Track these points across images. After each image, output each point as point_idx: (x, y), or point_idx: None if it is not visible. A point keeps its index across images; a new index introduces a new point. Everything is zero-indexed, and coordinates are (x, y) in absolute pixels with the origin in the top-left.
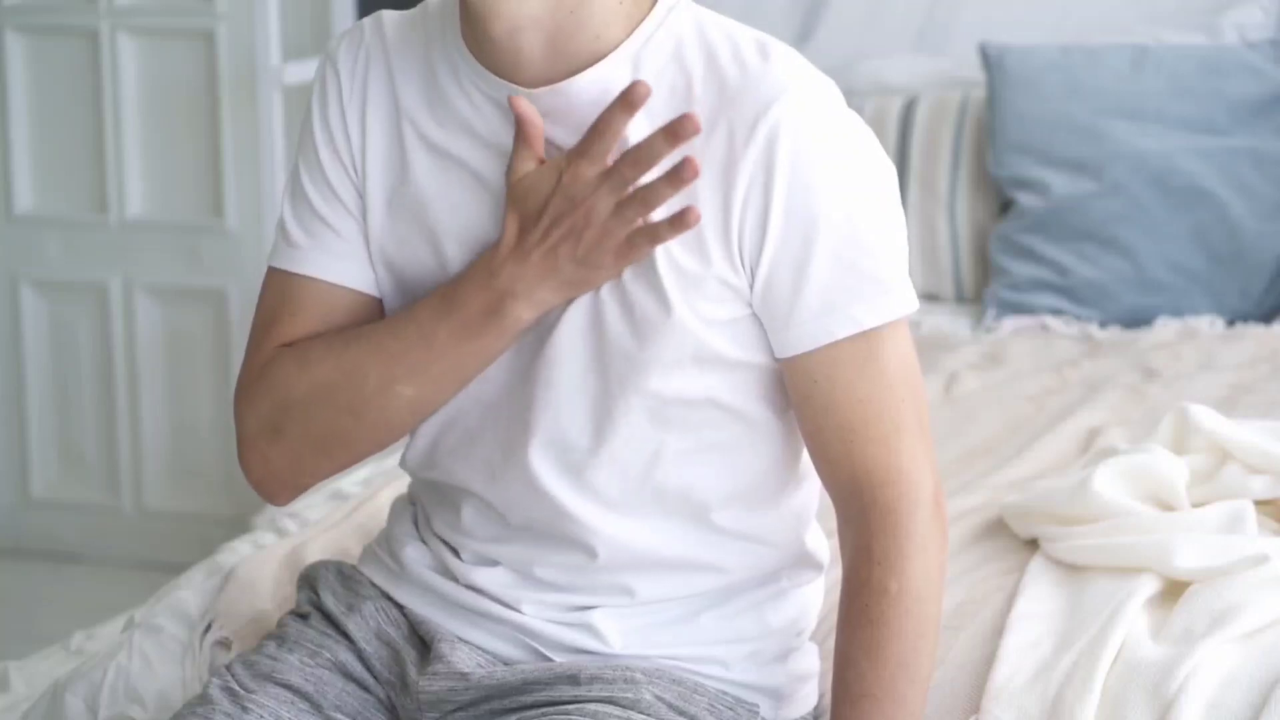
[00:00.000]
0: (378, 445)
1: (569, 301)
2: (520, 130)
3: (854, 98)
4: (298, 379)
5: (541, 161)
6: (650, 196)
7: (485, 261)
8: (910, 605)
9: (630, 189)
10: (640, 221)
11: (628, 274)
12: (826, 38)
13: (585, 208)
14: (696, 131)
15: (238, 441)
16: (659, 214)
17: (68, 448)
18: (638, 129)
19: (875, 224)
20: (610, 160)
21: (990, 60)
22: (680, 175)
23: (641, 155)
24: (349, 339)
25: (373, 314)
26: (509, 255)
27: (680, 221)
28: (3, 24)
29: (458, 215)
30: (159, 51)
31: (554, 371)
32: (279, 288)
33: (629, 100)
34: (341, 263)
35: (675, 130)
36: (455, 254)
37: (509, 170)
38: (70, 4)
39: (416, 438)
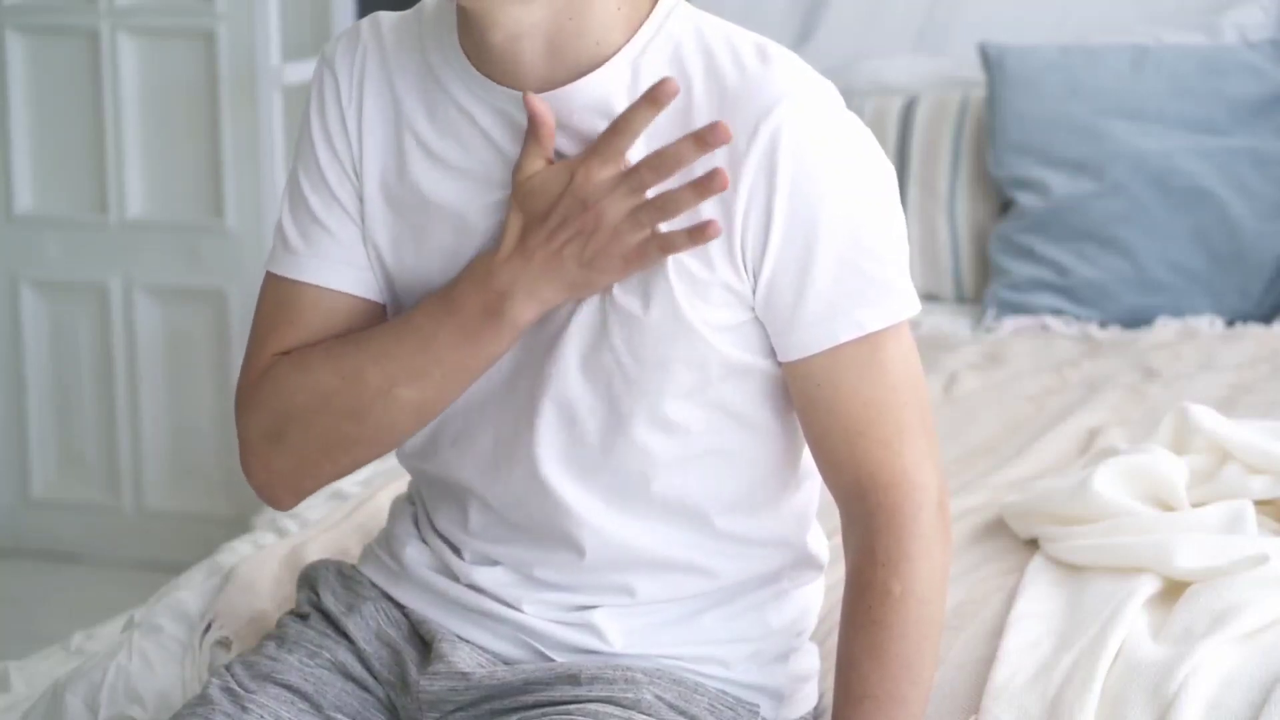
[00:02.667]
0: (381, 449)
1: (576, 302)
2: (531, 128)
3: (854, 98)
4: (298, 385)
5: (550, 162)
6: (671, 204)
7: (484, 262)
8: (914, 607)
9: (648, 194)
10: (654, 229)
11: (634, 277)
12: (826, 38)
13: (596, 210)
14: (727, 139)
15: (240, 447)
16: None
17: (68, 448)
18: (641, 137)
19: (877, 227)
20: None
21: (990, 60)
22: (709, 185)
23: (665, 161)
24: (349, 344)
25: (372, 318)
26: (510, 255)
27: (700, 233)
28: (3, 24)
29: (454, 218)
30: (159, 51)
31: (559, 371)
32: (277, 294)
33: (655, 97)
34: (340, 268)
35: (705, 137)
36: (452, 258)
37: (516, 168)
38: (70, 4)
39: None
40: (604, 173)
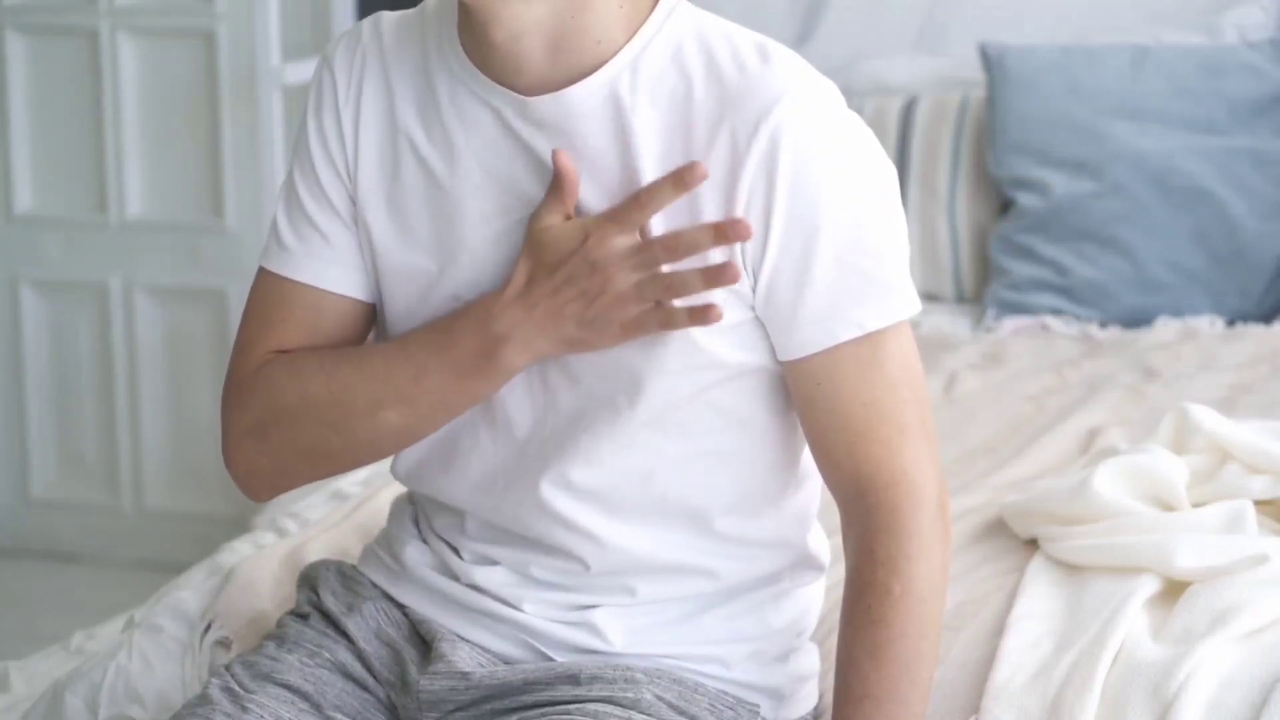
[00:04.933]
0: (361, 463)
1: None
2: (556, 182)
3: (854, 98)
4: (288, 389)
5: (569, 217)
6: (679, 286)
7: (486, 303)
8: (913, 606)
9: (658, 269)
10: (658, 302)
11: None
12: (826, 38)
13: (604, 275)
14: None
15: (223, 437)
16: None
17: (68, 448)
18: (641, 137)
19: (878, 226)
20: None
21: (990, 60)
22: (720, 276)
23: (681, 244)
24: (343, 358)
25: (363, 318)
26: (512, 301)
27: (701, 315)
28: (3, 24)
29: (446, 223)
30: (159, 51)
31: (558, 380)
32: (270, 290)
33: (682, 179)
34: (332, 268)
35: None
36: (445, 261)
37: (534, 217)
38: (70, 4)
39: (405, 452)
40: (618, 241)
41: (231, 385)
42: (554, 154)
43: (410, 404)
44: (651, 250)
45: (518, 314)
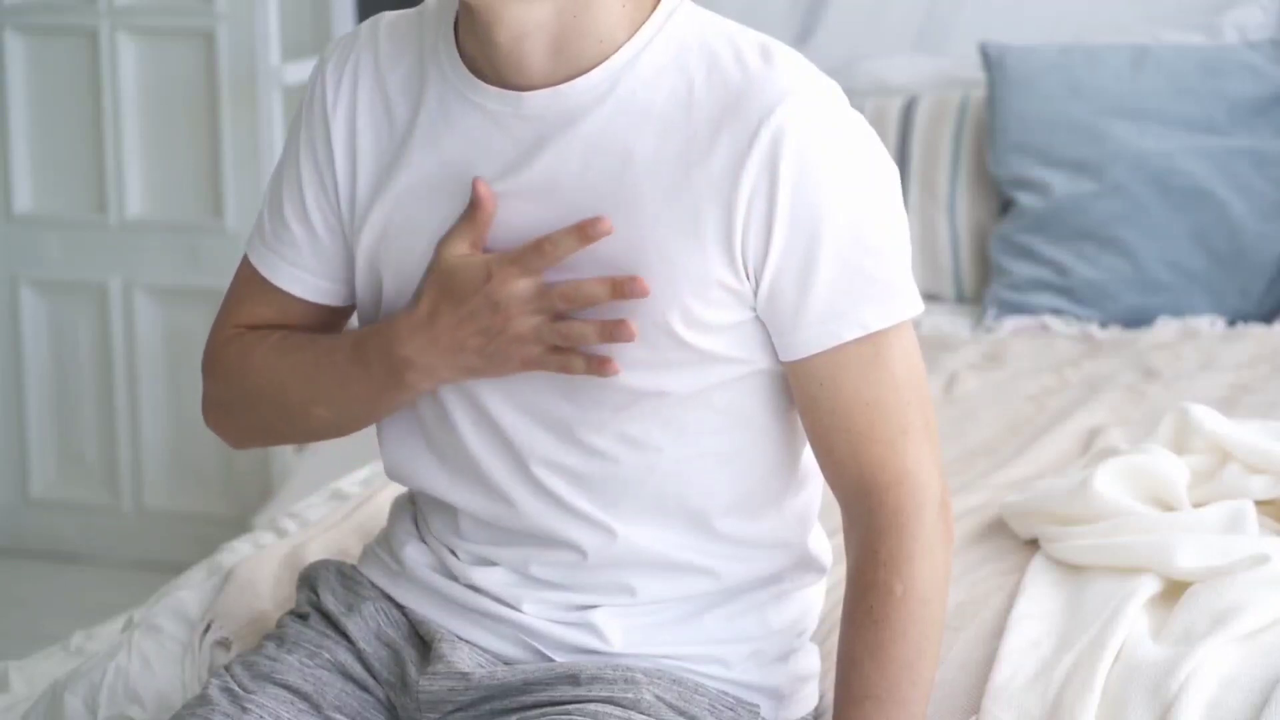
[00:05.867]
0: (315, 439)
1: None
2: (471, 211)
3: (854, 98)
4: (241, 375)
5: (476, 246)
6: (575, 337)
7: (394, 325)
8: (915, 607)
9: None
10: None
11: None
12: (826, 38)
13: (505, 315)
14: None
15: (202, 403)
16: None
17: (68, 448)
18: (642, 136)
19: (880, 227)
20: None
21: (990, 60)
22: (614, 334)
23: (580, 296)
24: (285, 351)
25: (332, 315)
26: (419, 327)
27: (600, 366)
28: (3, 24)
29: (438, 219)
30: (159, 51)
31: (545, 388)
32: (248, 275)
33: (585, 232)
34: (301, 274)
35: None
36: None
37: (442, 242)
38: (70, 4)
39: (386, 453)
40: (520, 284)
41: (207, 355)
42: (474, 182)
43: (337, 405)
44: (550, 298)
45: (421, 341)
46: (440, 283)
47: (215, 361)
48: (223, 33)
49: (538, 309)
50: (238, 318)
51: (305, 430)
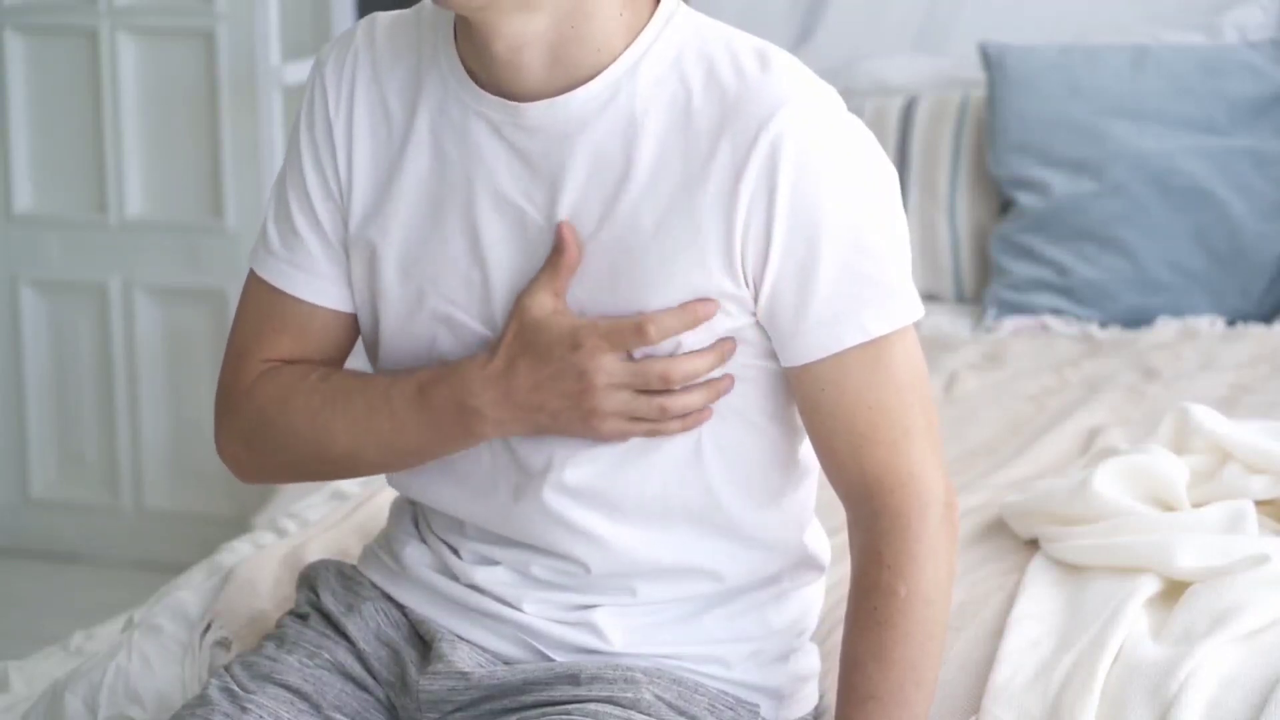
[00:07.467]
0: (347, 478)
1: None
2: (555, 259)
3: (854, 98)
4: (277, 415)
5: (558, 295)
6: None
7: (466, 374)
8: (919, 609)
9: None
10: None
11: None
12: (826, 38)
13: (590, 386)
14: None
15: (215, 433)
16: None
17: (68, 448)
18: (641, 146)
19: (880, 231)
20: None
21: (990, 60)
22: (721, 393)
23: (680, 375)
24: (332, 397)
25: (350, 327)
26: (492, 381)
27: (697, 420)
28: (3, 24)
29: (437, 222)
30: (159, 51)
31: None
32: (261, 298)
33: (695, 314)
34: (318, 281)
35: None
36: (435, 273)
37: (526, 291)
38: (70, 4)
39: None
40: (608, 360)
41: (224, 391)
42: (559, 227)
43: (390, 450)
44: (644, 377)
45: (495, 394)
46: (523, 338)
47: (244, 397)
48: (223, 33)
49: (631, 390)
50: (259, 347)
51: (344, 470)
